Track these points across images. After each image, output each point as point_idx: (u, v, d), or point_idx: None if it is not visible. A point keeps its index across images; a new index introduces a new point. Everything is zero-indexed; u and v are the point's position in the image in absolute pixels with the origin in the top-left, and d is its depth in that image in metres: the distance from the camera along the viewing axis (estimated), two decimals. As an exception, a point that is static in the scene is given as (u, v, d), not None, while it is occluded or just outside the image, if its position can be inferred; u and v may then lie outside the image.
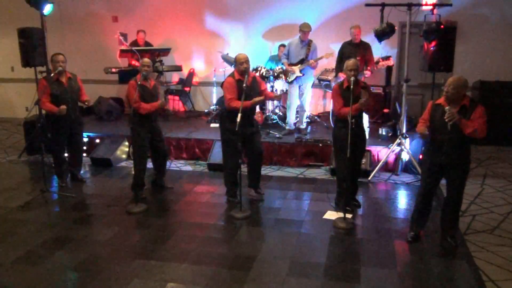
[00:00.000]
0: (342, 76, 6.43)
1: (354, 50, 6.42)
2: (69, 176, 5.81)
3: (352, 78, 4.37)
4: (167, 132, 6.93)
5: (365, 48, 6.50)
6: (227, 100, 4.80)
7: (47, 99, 5.30)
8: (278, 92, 7.30)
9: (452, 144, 3.70)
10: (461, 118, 3.56)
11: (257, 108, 5.47)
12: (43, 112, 5.68)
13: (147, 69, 5.00)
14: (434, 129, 3.80)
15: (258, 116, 5.11)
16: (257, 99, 4.79)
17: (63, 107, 5.22)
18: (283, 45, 7.81)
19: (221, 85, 4.97)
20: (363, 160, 5.43)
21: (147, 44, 8.47)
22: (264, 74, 7.25)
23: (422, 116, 3.95)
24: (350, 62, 4.47)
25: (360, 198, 5.04)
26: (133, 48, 8.01)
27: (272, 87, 7.40)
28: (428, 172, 3.91)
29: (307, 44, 6.66)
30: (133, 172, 5.14)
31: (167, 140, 6.76)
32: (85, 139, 6.67)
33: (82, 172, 6.08)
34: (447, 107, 3.58)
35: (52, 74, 5.41)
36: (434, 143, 3.83)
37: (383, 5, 5.76)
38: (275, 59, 7.94)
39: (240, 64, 4.80)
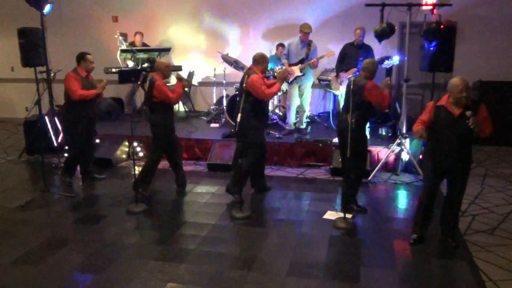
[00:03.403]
0: (344, 76, 6.45)
1: (356, 51, 6.42)
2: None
3: (352, 78, 4.45)
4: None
5: (366, 50, 6.50)
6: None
7: (79, 87, 5.39)
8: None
9: (458, 147, 3.67)
10: (480, 122, 3.54)
11: None
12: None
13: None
14: (439, 132, 3.74)
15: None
16: None
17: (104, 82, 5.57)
18: (281, 45, 7.80)
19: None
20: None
21: (144, 45, 8.48)
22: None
23: (421, 117, 3.86)
24: (366, 61, 4.64)
25: (360, 197, 4.99)
26: (133, 48, 8.01)
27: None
28: (433, 174, 3.87)
29: (307, 44, 6.66)
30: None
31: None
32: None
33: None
34: (468, 112, 3.53)
35: (52, 74, 5.43)
36: (438, 146, 3.78)
37: (383, 5, 5.76)
38: (274, 59, 7.94)
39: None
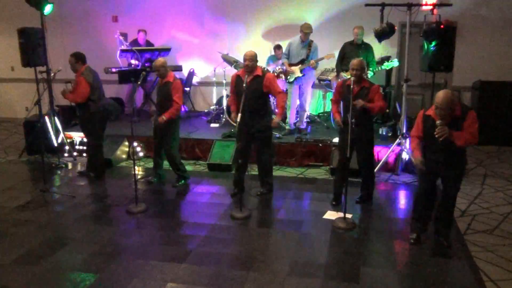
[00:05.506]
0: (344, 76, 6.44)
1: (356, 50, 6.41)
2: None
3: (353, 78, 4.43)
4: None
5: (366, 49, 6.49)
6: None
7: None
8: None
9: (445, 155, 3.69)
10: (452, 132, 3.53)
11: None
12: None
13: None
14: (427, 140, 3.80)
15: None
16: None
17: None
18: (278, 47, 7.77)
19: None
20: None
21: (148, 43, 8.48)
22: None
23: (415, 129, 3.90)
24: (354, 61, 4.56)
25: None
26: (133, 48, 8.01)
27: None
28: (424, 177, 3.92)
29: (308, 45, 6.66)
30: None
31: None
32: (85, 139, 6.66)
33: (82, 172, 6.11)
34: (438, 121, 3.54)
35: (52, 74, 5.43)
36: (428, 152, 3.82)
37: (383, 5, 5.76)
38: (273, 59, 7.93)
39: (243, 60, 4.88)
